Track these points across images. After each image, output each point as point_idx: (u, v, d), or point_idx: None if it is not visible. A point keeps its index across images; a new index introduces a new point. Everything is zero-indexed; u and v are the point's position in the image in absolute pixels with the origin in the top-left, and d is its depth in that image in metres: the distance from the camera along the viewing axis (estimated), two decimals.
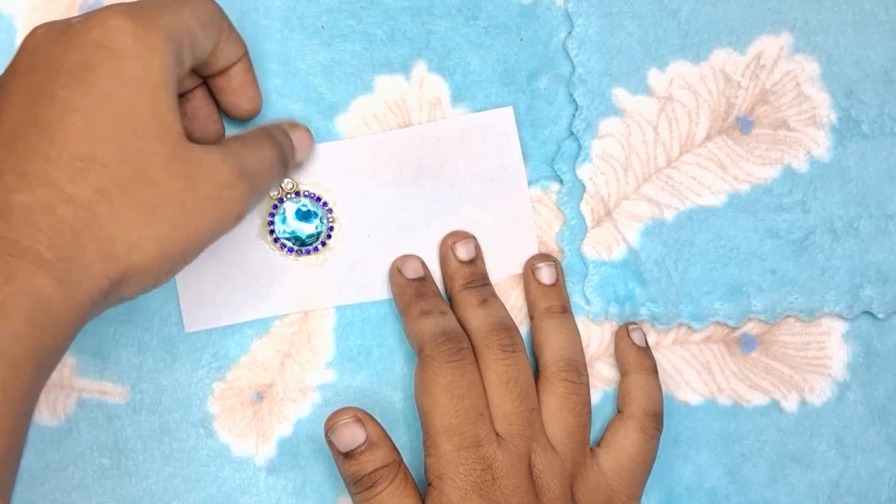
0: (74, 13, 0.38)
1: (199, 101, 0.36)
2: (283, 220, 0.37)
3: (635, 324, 0.39)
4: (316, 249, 0.38)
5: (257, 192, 0.33)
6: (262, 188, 0.33)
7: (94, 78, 0.29)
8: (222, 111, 0.37)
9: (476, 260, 0.38)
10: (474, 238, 0.38)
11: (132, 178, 0.29)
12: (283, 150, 0.35)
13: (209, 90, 0.36)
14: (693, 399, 0.39)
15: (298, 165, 0.37)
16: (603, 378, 0.39)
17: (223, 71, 0.35)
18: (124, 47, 0.29)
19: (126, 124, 0.29)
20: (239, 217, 0.32)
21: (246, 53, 0.36)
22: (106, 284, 0.28)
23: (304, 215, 0.37)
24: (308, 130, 0.37)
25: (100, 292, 0.28)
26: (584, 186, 0.39)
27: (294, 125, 0.37)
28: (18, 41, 0.37)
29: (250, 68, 0.36)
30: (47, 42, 0.30)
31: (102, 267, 0.28)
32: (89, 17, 0.30)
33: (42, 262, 0.27)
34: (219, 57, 0.34)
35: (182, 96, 0.35)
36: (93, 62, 0.29)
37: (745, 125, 0.39)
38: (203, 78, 0.36)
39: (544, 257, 0.38)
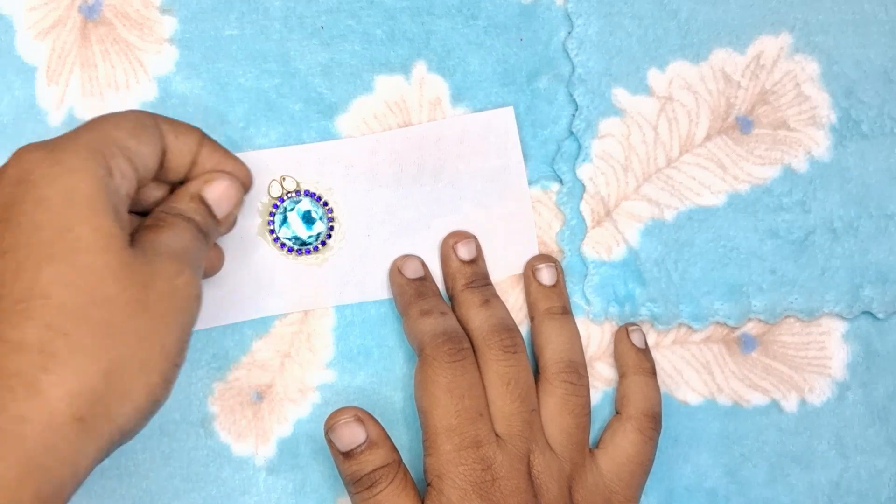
0: (73, 13, 0.38)
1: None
2: (283, 220, 0.37)
3: (635, 325, 0.39)
4: (316, 249, 0.38)
5: (198, 266, 0.31)
6: (199, 261, 0.31)
7: (18, 215, 0.27)
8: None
9: (477, 260, 0.38)
10: (475, 238, 0.38)
11: (83, 300, 0.26)
12: (196, 221, 0.32)
13: None
14: (693, 399, 0.39)
15: (228, 221, 0.34)
16: (603, 378, 0.39)
17: (193, 164, 0.33)
18: (43, 175, 0.27)
19: (62, 248, 0.27)
20: (199, 297, 0.30)
21: (203, 135, 0.33)
22: (75, 429, 0.25)
23: (303, 215, 0.37)
24: (226, 178, 0.33)
25: (71, 442, 0.25)
26: (584, 186, 0.39)
27: (208, 179, 0.33)
28: (18, 41, 0.37)
29: (216, 146, 0.34)
30: None
31: (72, 410, 0.25)
32: (7, 162, 0.28)
33: None
34: (177, 154, 0.32)
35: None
36: (14, 200, 0.27)
37: (745, 125, 0.39)
38: (181, 182, 0.33)
39: (545, 258, 0.38)
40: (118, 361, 0.27)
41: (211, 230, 0.33)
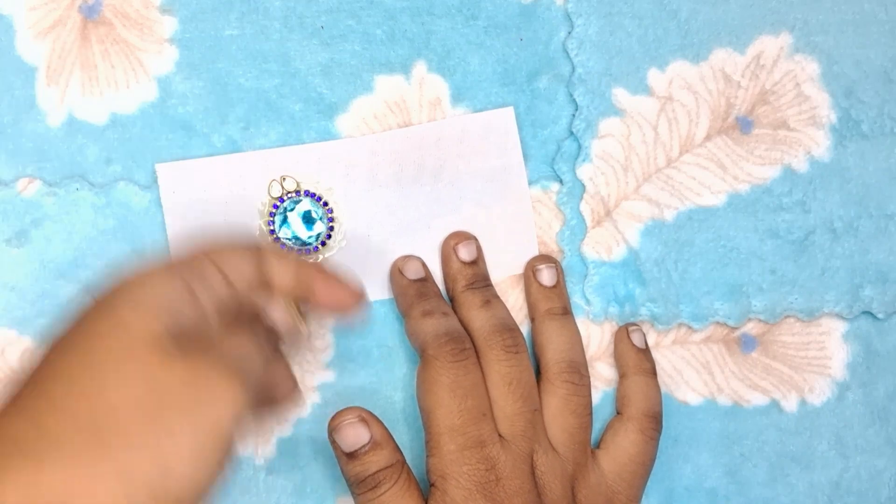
0: (73, 13, 0.38)
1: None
2: (283, 220, 0.37)
3: (635, 325, 0.39)
4: (316, 249, 0.38)
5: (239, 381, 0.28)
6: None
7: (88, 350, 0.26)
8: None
9: (478, 261, 0.38)
10: (476, 239, 0.38)
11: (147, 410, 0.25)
12: (261, 336, 0.30)
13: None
14: (693, 399, 0.39)
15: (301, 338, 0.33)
16: (603, 378, 0.39)
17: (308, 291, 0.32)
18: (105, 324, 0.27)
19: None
20: (236, 404, 0.27)
21: (317, 267, 0.32)
22: None
23: (304, 215, 0.37)
24: (284, 309, 0.32)
25: None
26: (584, 186, 0.39)
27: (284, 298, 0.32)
28: (18, 41, 0.37)
29: (328, 274, 0.33)
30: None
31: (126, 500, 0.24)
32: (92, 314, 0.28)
33: None
34: (280, 274, 0.31)
35: None
36: (87, 343, 0.27)
37: (744, 125, 0.39)
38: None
39: (545, 259, 0.38)
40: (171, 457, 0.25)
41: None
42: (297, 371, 0.38)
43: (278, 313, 0.31)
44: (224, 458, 0.26)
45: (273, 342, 0.31)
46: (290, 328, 0.32)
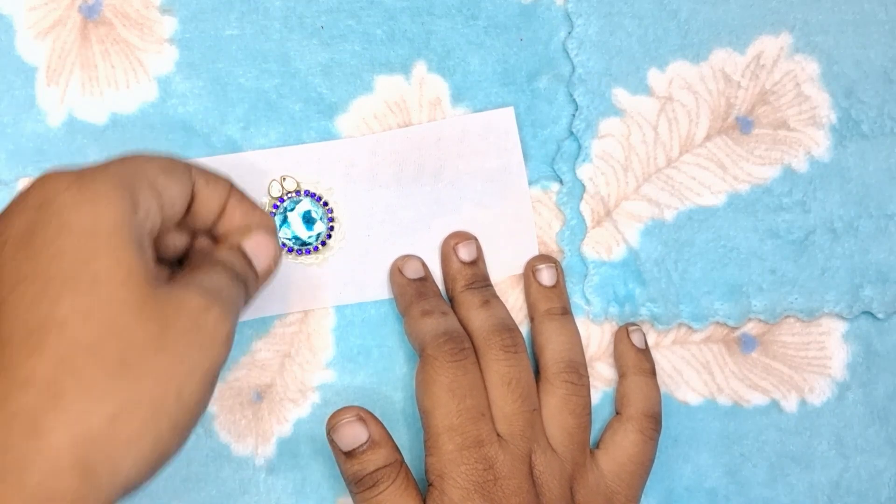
0: (73, 13, 0.38)
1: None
2: (283, 220, 0.37)
3: (635, 325, 0.39)
4: (316, 249, 0.38)
5: (232, 310, 0.29)
6: (233, 305, 0.29)
7: (39, 241, 0.26)
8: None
9: (477, 261, 0.38)
10: (476, 239, 0.38)
11: (98, 334, 0.25)
12: (234, 269, 0.31)
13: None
14: (693, 399, 0.39)
15: (268, 274, 0.33)
16: (603, 378, 0.39)
17: (221, 215, 0.32)
18: (66, 202, 0.26)
19: (83, 279, 0.25)
20: (228, 339, 0.28)
21: (232, 186, 0.33)
22: (76, 477, 0.23)
23: (304, 215, 0.37)
24: (265, 233, 0.33)
25: (73, 491, 0.23)
26: (584, 186, 0.39)
27: (247, 231, 0.32)
28: (18, 41, 0.37)
29: (243, 197, 0.33)
30: None
31: (75, 456, 0.24)
32: (33, 183, 0.27)
33: None
34: (206, 201, 0.31)
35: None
36: (36, 225, 0.26)
37: (745, 125, 0.39)
38: (205, 233, 0.33)
39: (545, 259, 0.38)
40: (127, 404, 0.25)
41: (249, 281, 0.31)
42: (297, 371, 0.38)
43: (257, 242, 0.32)
44: (215, 384, 0.27)
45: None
46: (272, 259, 0.32)
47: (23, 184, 0.37)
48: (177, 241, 0.32)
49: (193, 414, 0.27)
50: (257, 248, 0.32)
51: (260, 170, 0.37)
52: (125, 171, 0.28)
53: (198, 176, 0.31)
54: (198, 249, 0.33)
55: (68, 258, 0.25)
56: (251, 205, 0.33)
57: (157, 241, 0.30)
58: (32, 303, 0.25)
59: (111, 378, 0.25)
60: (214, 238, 0.33)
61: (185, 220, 0.32)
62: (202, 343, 0.27)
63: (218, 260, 0.31)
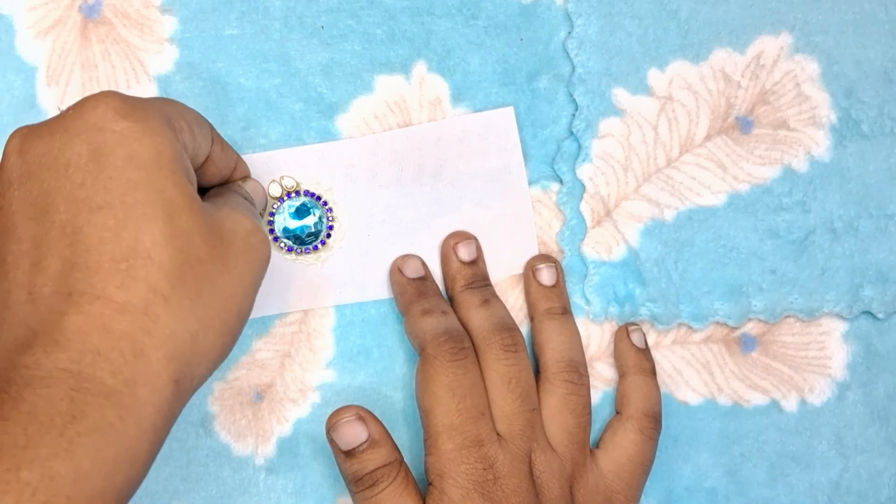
0: (73, 13, 0.38)
1: None
2: (284, 220, 0.37)
3: (635, 325, 0.39)
4: (316, 249, 0.38)
5: (265, 231, 0.33)
6: (263, 228, 0.33)
7: (109, 169, 0.27)
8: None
9: (477, 261, 0.38)
10: (476, 239, 0.38)
11: (180, 262, 0.27)
12: (247, 198, 0.34)
13: None
14: (693, 399, 0.39)
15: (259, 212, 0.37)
16: (603, 378, 0.39)
17: (207, 158, 0.34)
18: (128, 128, 0.27)
19: (159, 209, 0.27)
20: (268, 260, 0.31)
21: (212, 129, 0.34)
22: (171, 391, 0.26)
23: (304, 214, 0.37)
24: (258, 181, 0.37)
25: (168, 403, 0.26)
26: (584, 186, 0.39)
27: (244, 177, 0.36)
28: (18, 41, 0.37)
29: (224, 142, 0.35)
30: (39, 138, 0.27)
31: (169, 373, 0.26)
32: (80, 104, 0.28)
33: (108, 393, 0.25)
34: (215, 166, 0.33)
35: None
36: (102, 149, 0.27)
37: (745, 125, 0.39)
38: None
39: (545, 258, 0.38)
40: (204, 323, 0.27)
41: (255, 207, 0.35)
42: (297, 371, 0.38)
43: (253, 187, 0.36)
44: (244, 324, 0.30)
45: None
46: (261, 204, 0.36)
47: None
48: None
49: (244, 323, 0.30)
50: (254, 190, 0.36)
51: (260, 170, 0.37)
52: (169, 110, 0.30)
53: (218, 142, 0.33)
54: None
55: (143, 189, 0.27)
56: (230, 149, 0.35)
57: None
58: (115, 233, 0.26)
59: (192, 301, 0.27)
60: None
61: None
62: (252, 262, 0.30)
63: (239, 192, 0.34)
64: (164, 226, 0.27)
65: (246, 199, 0.34)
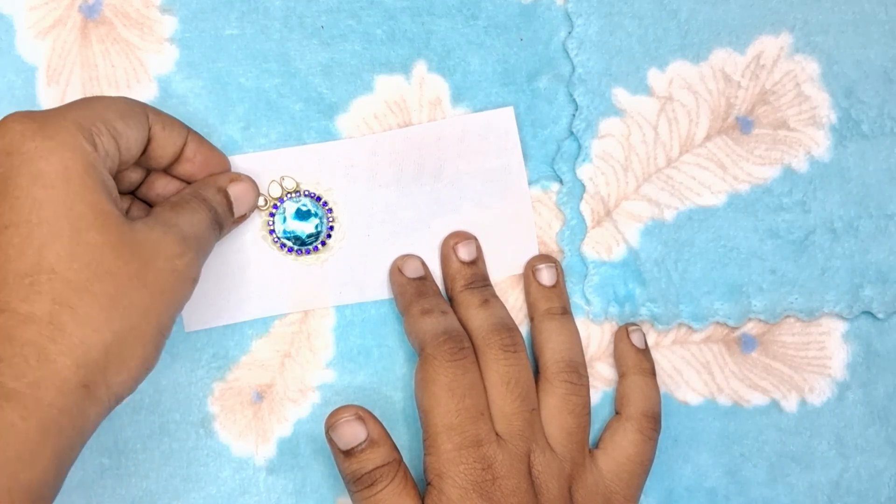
0: (74, 13, 0.38)
1: (165, 187, 0.35)
2: (283, 220, 0.37)
3: (635, 325, 0.39)
4: (316, 249, 0.38)
5: (203, 253, 0.33)
6: (206, 248, 0.33)
7: (15, 190, 0.28)
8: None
9: (477, 261, 0.38)
10: (475, 239, 0.38)
11: (87, 275, 0.28)
12: (216, 211, 0.34)
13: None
14: (693, 399, 0.39)
15: (241, 219, 0.36)
16: (603, 378, 0.39)
17: (178, 158, 0.34)
18: (34, 151, 0.28)
19: (65, 225, 0.28)
20: (196, 280, 0.32)
21: (190, 131, 0.35)
22: (81, 395, 0.27)
23: (303, 215, 0.37)
24: (250, 181, 0.36)
25: (77, 406, 0.27)
26: (584, 186, 0.39)
27: (235, 178, 0.36)
28: (18, 41, 0.37)
29: (202, 140, 0.35)
30: None
31: (79, 378, 0.27)
32: None
33: (9, 395, 0.26)
34: (162, 146, 0.33)
35: (142, 187, 0.35)
36: (9, 172, 0.28)
37: (745, 125, 0.39)
38: (163, 171, 0.35)
39: (545, 258, 0.38)
40: (119, 333, 0.28)
41: (225, 224, 0.35)
42: (297, 371, 0.38)
43: (242, 189, 0.35)
44: (166, 337, 0.31)
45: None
46: (251, 206, 0.36)
47: None
48: (132, 177, 0.34)
49: (166, 338, 0.31)
50: (242, 194, 0.36)
51: (260, 170, 0.37)
52: (84, 116, 0.30)
53: (154, 121, 0.33)
54: (182, 187, 0.35)
55: (47, 206, 0.28)
56: (211, 148, 0.36)
57: (116, 178, 0.33)
58: (20, 250, 0.28)
59: (105, 311, 0.28)
60: (174, 178, 0.35)
61: (142, 159, 0.33)
62: (174, 283, 0.31)
63: (204, 199, 0.34)
64: (69, 242, 0.28)
65: (213, 208, 0.34)
